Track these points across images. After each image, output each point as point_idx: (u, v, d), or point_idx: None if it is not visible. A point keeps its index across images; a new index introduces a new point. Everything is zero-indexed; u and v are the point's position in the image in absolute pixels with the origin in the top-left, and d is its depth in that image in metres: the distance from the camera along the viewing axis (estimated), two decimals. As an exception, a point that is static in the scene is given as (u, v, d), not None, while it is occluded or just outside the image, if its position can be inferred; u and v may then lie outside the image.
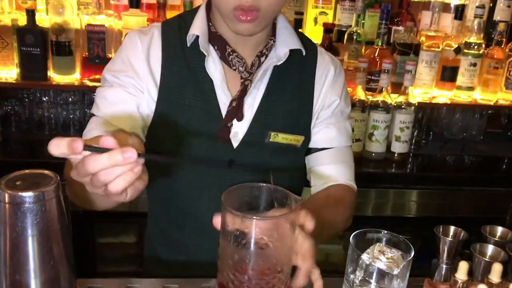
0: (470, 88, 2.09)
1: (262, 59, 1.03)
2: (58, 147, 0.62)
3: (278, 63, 1.02)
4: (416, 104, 1.96)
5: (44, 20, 1.96)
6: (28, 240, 0.69)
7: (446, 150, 2.21)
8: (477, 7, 2.01)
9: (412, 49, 2.00)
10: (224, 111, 1.01)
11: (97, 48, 1.88)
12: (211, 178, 1.04)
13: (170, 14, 1.95)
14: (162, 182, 1.05)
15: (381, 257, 0.74)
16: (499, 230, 1.06)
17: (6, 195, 0.67)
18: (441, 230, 1.02)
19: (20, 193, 0.67)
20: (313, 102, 1.09)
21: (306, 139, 1.09)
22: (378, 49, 1.99)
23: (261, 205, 0.74)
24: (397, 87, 1.99)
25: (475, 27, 2.03)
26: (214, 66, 1.01)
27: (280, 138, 1.04)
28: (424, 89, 2.06)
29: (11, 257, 0.69)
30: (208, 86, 1.01)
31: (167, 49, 1.02)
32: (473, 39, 2.04)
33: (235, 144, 1.03)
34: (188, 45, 1.01)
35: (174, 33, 1.03)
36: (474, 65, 2.05)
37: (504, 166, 2.14)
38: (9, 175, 0.70)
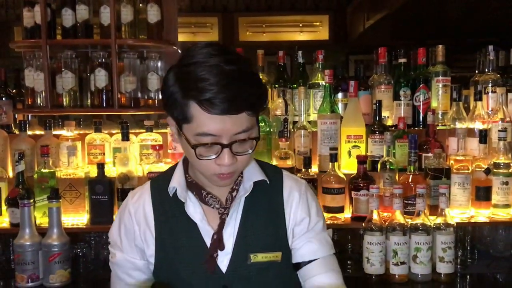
0: (507, 206, 2.17)
1: (234, 193, 1.24)
2: None
3: (246, 195, 1.23)
4: (455, 224, 2.04)
5: (111, 171, 2.25)
6: None
7: (494, 268, 2.21)
8: (499, 131, 2.18)
9: (443, 173, 2.15)
10: (208, 244, 1.21)
11: (157, 192, 2.12)
12: None
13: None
14: None
15: None
16: None
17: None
18: None
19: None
20: (285, 220, 1.27)
21: (285, 253, 1.26)
22: (411, 175, 2.14)
23: None
24: (434, 209, 2.10)
25: (501, 149, 2.17)
26: (193, 209, 1.23)
27: (260, 257, 1.22)
28: (461, 209, 2.16)
29: None
30: (193, 226, 1.22)
31: (155, 203, 1.27)
32: (501, 159, 2.17)
33: (224, 269, 1.21)
34: (171, 195, 1.24)
35: (159, 188, 1.28)
36: (506, 183, 2.15)
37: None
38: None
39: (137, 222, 1.27)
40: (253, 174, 1.26)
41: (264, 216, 1.26)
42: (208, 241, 1.22)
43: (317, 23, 6.55)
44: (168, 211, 1.25)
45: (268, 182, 1.26)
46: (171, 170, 1.30)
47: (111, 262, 1.34)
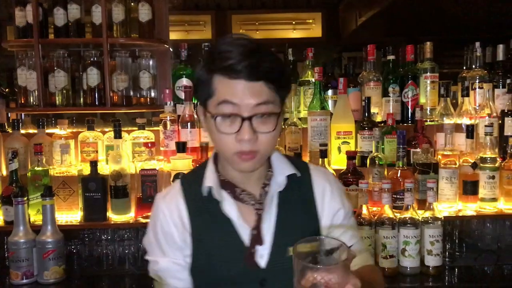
0: (493, 199, 2.21)
1: (266, 189, 1.25)
2: None
3: (280, 189, 1.25)
4: (442, 218, 2.08)
5: (104, 168, 2.27)
6: None
7: (482, 261, 2.25)
8: (486, 126, 2.22)
9: (431, 168, 2.18)
10: (246, 241, 1.22)
11: (150, 189, 2.15)
12: None
13: (211, 155, 2.24)
14: None
15: None
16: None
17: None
18: None
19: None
20: (317, 212, 1.29)
21: None
22: (399, 170, 2.18)
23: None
24: (422, 204, 2.14)
25: (488, 143, 2.21)
26: (229, 207, 1.23)
27: None
28: (449, 203, 2.20)
29: None
30: (228, 224, 1.23)
31: (189, 202, 1.26)
32: (488, 154, 2.21)
33: (263, 264, 1.22)
34: (205, 194, 1.24)
35: (191, 187, 1.27)
36: (493, 177, 2.19)
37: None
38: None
39: (174, 223, 1.25)
40: (284, 168, 1.27)
41: (298, 209, 1.28)
42: (245, 238, 1.22)
43: (310, 21, 6.59)
44: (203, 211, 1.25)
45: (298, 175, 1.28)
46: (200, 169, 1.30)
47: (153, 270, 1.28)
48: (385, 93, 2.45)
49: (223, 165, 1.26)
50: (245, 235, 1.22)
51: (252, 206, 1.24)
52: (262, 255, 1.22)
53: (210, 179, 1.24)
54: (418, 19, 5.36)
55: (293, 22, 6.53)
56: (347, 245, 1.16)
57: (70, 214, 2.22)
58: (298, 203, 1.28)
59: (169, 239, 1.25)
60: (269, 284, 1.21)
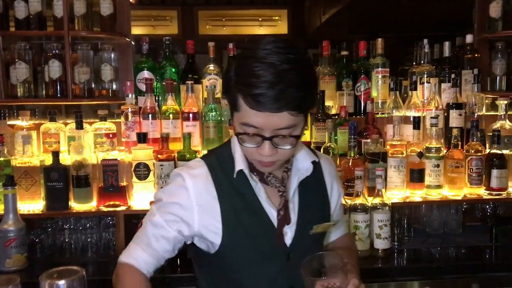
0: (438, 186, 2.36)
1: (289, 173, 1.35)
2: None
3: (308, 174, 1.34)
4: (390, 204, 2.22)
5: (66, 159, 2.32)
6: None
7: (428, 244, 2.40)
8: (431, 117, 2.37)
9: (380, 157, 2.32)
10: (273, 221, 1.31)
11: (111, 179, 2.21)
12: (274, 273, 1.32)
13: (172, 146, 2.31)
14: (223, 279, 1.34)
15: None
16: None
17: (46, 284, 0.94)
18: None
19: (56, 281, 0.94)
20: (328, 194, 1.44)
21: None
22: (351, 159, 2.31)
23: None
24: (372, 191, 2.27)
25: (433, 134, 2.36)
26: (258, 189, 1.31)
27: (321, 228, 1.36)
28: (397, 190, 2.34)
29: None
30: (258, 205, 1.31)
31: (218, 185, 1.30)
32: (433, 144, 2.36)
33: (288, 242, 1.33)
34: (234, 176, 1.30)
35: (217, 169, 1.32)
36: (438, 166, 2.34)
37: (483, 255, 2.33)
38: (48, 271, 0.97)
39: (198, 203, 1.28)
40: (305, 155, 1.35)
41: (315, 192, 1.40)
42: (272, 218, 1.31)
43: (276, 17, 6.67)
44: (232, 193, 1.29)
45: (317, 161, 1.37)
46: (223, 152, 1.35)
47: (149, 219, 1.33)
48: (339, 87, 2.57)
49: None
50: (272, 215, 1.31)
51: (276, 188, 1.32)
52: (287, 233, 1.32)
53: (240, 163, 1.29)
54: (379, 17, 5.52)
55: (260, 19, 6.61)
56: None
57: (33, 204, 2.26)
58: (314, 186, 1.40)
59: (180, 213, 1.29)
60: (293, 259, 1.31)
